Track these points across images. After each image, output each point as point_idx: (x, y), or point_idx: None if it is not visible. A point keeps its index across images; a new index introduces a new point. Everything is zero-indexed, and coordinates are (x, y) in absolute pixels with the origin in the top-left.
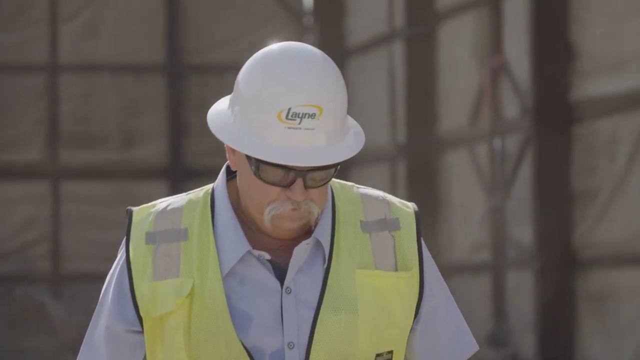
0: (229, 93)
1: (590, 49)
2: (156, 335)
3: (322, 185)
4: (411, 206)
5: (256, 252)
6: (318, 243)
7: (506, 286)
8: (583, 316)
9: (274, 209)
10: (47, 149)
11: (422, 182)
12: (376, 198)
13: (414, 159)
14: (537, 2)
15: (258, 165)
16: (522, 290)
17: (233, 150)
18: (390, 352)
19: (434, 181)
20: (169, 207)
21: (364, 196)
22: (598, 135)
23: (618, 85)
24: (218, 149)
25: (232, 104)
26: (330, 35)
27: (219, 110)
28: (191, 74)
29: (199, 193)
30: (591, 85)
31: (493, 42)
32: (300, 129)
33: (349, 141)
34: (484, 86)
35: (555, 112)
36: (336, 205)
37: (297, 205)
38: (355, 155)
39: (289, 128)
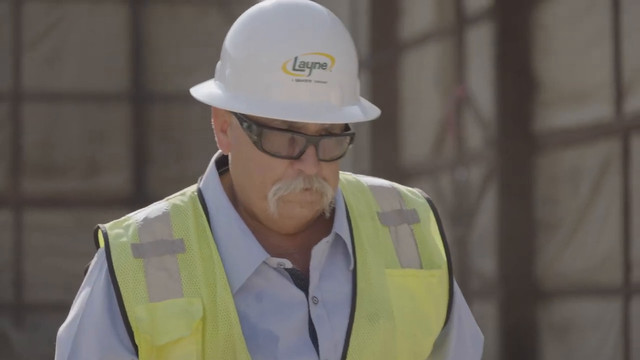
0: (194, 121)
1: (553, 80)
2: None
3: (335, 160)
4: (421, 194)
5: (274, 261)
6: (337, 241)
7: None
8: (546, 347)
9: (281, 189)
10: (10, 177)
11: None
12: (385, 187)
13: None
14: (500, 33)
15: (260, 132)
16: (486, 321)
17: (224, 129)
18: None
19: None
20: (151, 216)
21: (373, 187)
22: (561, 165)
23: (581, 116)
24: (182, 176)
25: (219, 74)
26: None
27: (204, 85)
28: (155, 101)
29: (181, 197)
30: (554, 116)
31: (457, 73)
32: (310, 81)
33: (364, 106)
34: (447, 116)
35: (518, 142)
36: (347, 198)
37: (309, 182)
38: None
39: (297, 80)
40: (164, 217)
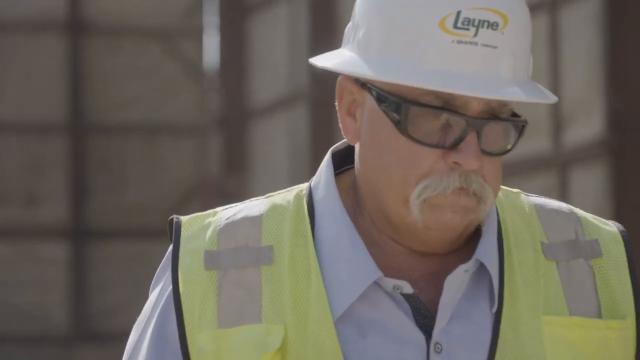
0: (133, 153)
1: None
2: None
3: (499, 156)
4: (613, 225)
5: (389, 283)
6: (480, 272)
7: None
8: None
9: (428, 188)
10: None
11: None
12: (558, 211)
13: None
14: None
15: (406, 110)
16: None
17: (352, 112)
18: None
19: None
20: (240, 216)
21: (541, 207)
22: None
23: (520, 149)
24: (121, 208)
25: (349, 38)
26: (233, 95)
27: (329, 54)
28: (94, 133)
29: (286, 195)
30: None
31: None
32: (476, 44)
33: (537, 87)
34: None
35: None
36: (501, 218)
37: (466, 181)
38: None
39: (458, 42)
40: (256, 217)
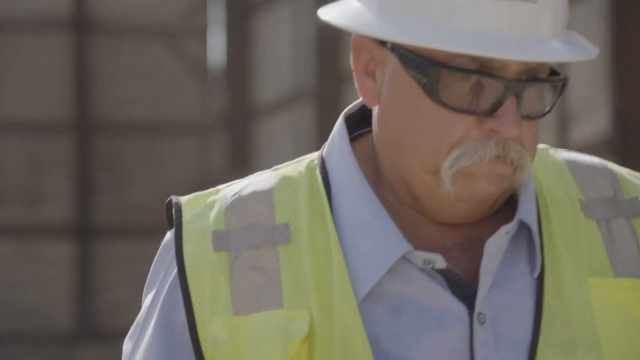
0: (137, 151)
1: None
2: None
3: (537, 119)
4: None
5: (419, 257)
6: (517, 235)
7: None
8: None
9: (462, 158)
10: None
11: None
12: (592, 167)
13: None
14: None
15: (437, 74)
16: None
17: (370, 71)
18: None
19: None
20: (248, 191)
21: (573, 163)
22: None
23: None
24: (125, 206)
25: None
26: (238, 94)
27: (339, 5)
28: (98, 131)
29: (296, 166)
30: None
31: None
32: (514, 0)
33: (577, 41)
34: None
35: None
36: (536, 176)
37: (504, 149)
38: None
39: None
40: (266, 192)
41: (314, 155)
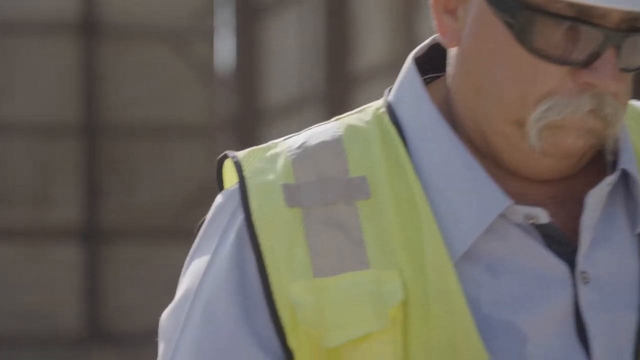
0: (144, 154)
1: None
2: None
3: (634, 71)
4: None
5: (519, 212)
6: (615, 190)
7: None
8: None
9: (553, 110)
10: None
11: None
12: None
13: None
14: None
15: (531, 18)
16: None
17: (451, 9)
18: None
19: None
20: (313, 142)
21: None
22: None
23: None
24: (134, 208)
25: None
26: (246, 97)
27: None
28: (107, 134)
29: (361, 115)
30: None
31: None
32: None
33: None
34: None
35: None
36: (629, 128)
37: (599, 103)
38: None
39: None
40: (334, 143)
41: (378, 103)
